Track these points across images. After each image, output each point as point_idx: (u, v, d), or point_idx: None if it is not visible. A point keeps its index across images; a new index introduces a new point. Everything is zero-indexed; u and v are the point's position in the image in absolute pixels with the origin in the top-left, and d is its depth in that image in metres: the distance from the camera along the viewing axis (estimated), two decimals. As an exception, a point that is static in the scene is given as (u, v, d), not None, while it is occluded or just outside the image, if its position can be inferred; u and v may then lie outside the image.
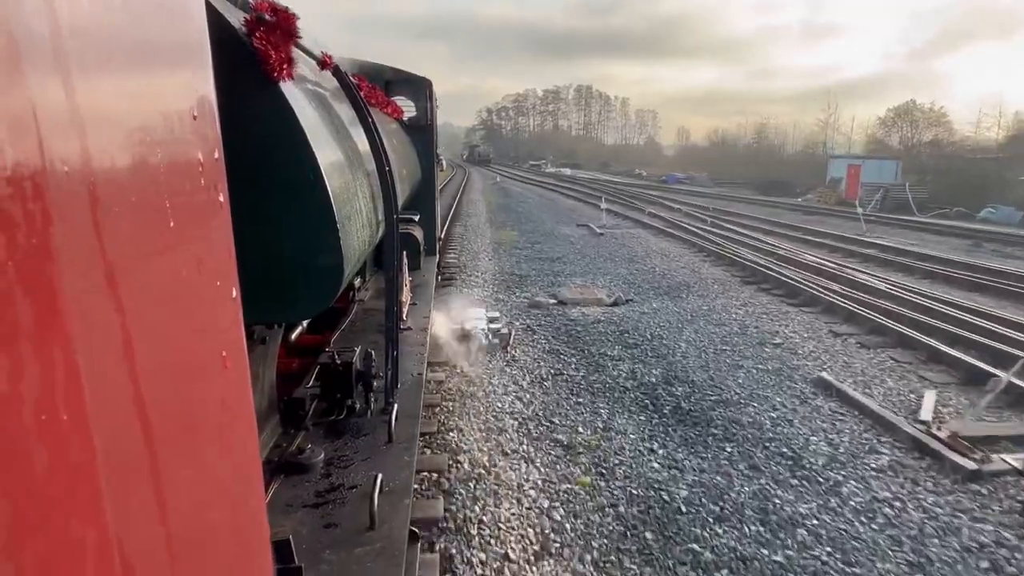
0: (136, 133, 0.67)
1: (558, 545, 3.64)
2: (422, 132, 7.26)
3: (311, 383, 2.96)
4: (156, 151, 0.70)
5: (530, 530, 3.76)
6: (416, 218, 6.09)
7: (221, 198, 0.88)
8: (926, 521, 3.93)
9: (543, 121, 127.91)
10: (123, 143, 0.64)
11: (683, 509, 4.02)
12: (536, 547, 3.62)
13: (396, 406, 2.77)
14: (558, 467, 4.52)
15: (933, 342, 7.00)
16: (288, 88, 1.83)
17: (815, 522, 3.90)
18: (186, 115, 0.79)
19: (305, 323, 2.99)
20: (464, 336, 6.69)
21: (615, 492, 4.21)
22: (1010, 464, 4.47)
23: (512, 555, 3.52)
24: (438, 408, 5.33)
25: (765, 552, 3.61)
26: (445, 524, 3.72)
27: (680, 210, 22.88)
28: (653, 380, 6.28)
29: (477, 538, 3.64)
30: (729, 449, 4.86)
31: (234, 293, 0.89)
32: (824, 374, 6.27)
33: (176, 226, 0.73)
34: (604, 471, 4.49)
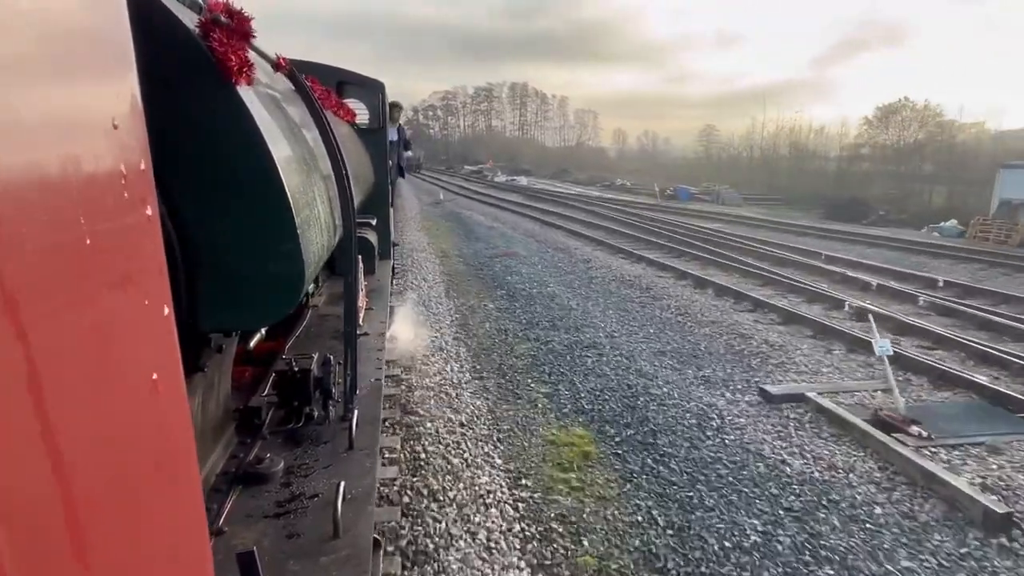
0: (45, 145, 0.62)
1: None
2: (375, 135, 7.20)
3: (267, 391, 2.89)
4: (67, 164, 0.65)
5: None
6: (373, 222, 6.03)
7: (149, 212, 0.82)
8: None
9: (475, 121, 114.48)
10: (27, 156, 0.59)
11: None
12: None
13: (356, 412, 2.74)
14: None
15: None
16: (245, 91, 1.79)
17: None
18: (105, 124, 0.74)
19: (263, 330, 2.93)
20: None
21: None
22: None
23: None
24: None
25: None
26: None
27: (919, 299, 10.26)
28: None
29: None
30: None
31: (166, 311, 0.85)
32: None
33: (94, 245, 0.68)
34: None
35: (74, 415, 0.62)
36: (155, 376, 0.80)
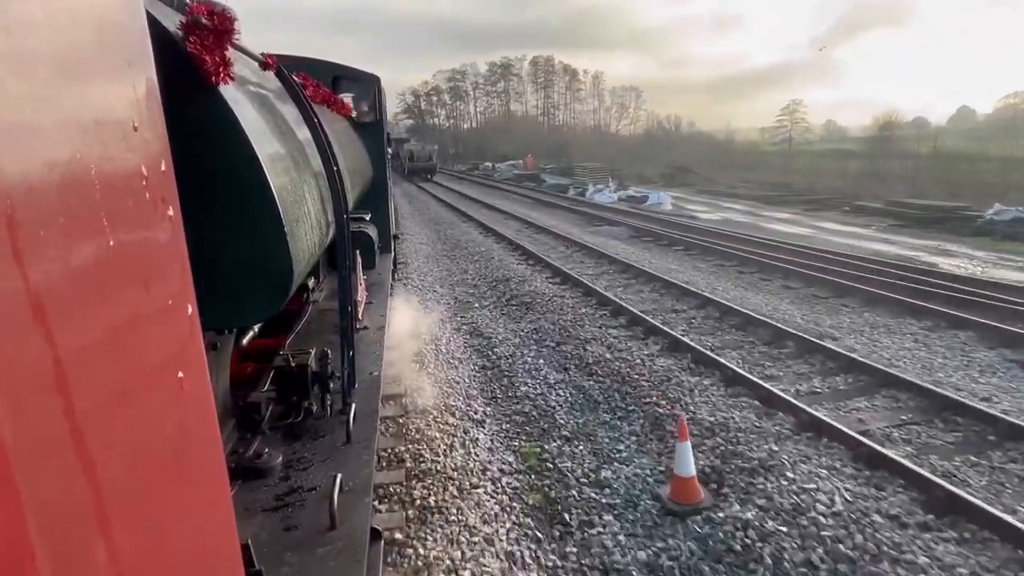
0: (64, 147, 0.61)
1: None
2: (372, 129, 7.20)
3: (266, 387, 2.93)
4: (89, 166, 0.64)
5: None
6: (367, 217, 6.05)
7: (171, 212, 0.83)
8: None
9: (488, 106, 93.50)
10: (48, 158, 0.58)
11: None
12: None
13: (354, 406, 2.77)
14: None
15: None
16: (228, 91, 1.81)
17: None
18: (125, 126, 0.74)
19: (256, 327, 2.96)
20: None
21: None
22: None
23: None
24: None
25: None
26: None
27: None
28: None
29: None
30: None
31: (189, 310, 0.85)
32: None
33: (117, 246, 0.68)
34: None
35: (103, 416, 0.62)
36: (181, 375, 0.80)
